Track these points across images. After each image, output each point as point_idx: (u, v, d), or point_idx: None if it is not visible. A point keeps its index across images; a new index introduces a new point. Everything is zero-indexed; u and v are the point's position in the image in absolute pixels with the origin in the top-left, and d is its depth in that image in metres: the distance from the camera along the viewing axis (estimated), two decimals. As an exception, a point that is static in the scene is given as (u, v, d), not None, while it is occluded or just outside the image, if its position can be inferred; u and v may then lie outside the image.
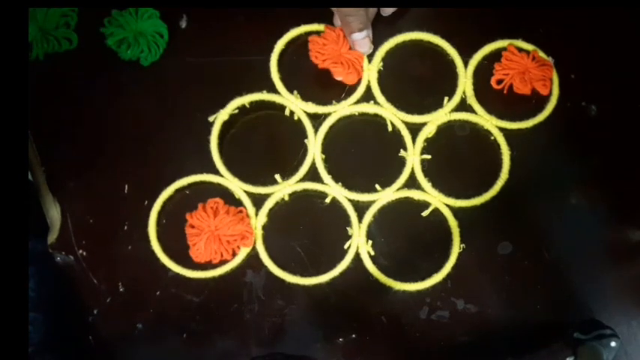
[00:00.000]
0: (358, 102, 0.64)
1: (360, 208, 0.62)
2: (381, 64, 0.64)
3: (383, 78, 0.64)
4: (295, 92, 0.63)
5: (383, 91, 0.63)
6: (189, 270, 0.62)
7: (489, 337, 0.61)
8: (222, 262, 0.62)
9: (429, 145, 0.63)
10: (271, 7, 0.64)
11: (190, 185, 0.63)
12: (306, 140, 0.63)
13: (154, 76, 0.65)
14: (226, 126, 0.64)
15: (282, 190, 0.62)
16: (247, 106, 0.64)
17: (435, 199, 0.62)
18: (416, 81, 0.64)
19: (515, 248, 0.62)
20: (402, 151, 0.63)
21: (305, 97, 0.63)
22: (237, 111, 0.63)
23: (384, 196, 0.62)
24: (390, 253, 0.62)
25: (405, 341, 0.61)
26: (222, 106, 0.63)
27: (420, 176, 0.62)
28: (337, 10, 0.62)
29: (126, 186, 0.63)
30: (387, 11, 0.63)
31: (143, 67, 0.64)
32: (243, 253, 0.62)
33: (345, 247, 0.62)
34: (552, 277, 0.62)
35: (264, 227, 0.63)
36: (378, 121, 0.64)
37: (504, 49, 0.63)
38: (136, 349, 0.62)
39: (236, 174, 0.63)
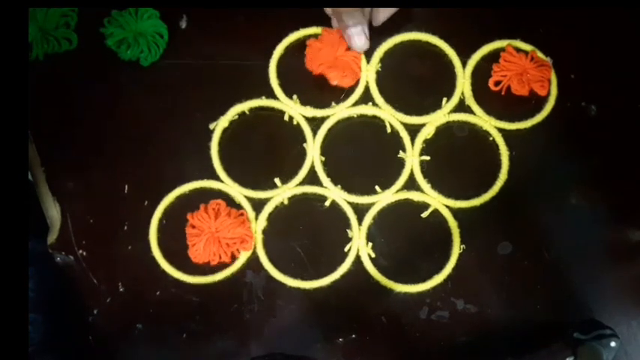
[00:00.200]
0: (357, 104, 0.63)
1: (360, 211, 0.62)
2: (380, 64, 0.64)
3: (381, 79, 0.64)
4: (295, 97, 0.63)
5: (381, 92, 0.63)
6: (189, 276, 0.62)
7: (489, 337, 0.61)
8: (223, 267, 0.62)
9: (428, 147, 0.63)
10: (271, 7, 0.64)
11: (191, 191, 0.63)
12: (304, 144, 0.63)
13: (154, 76, 0.65)
14: (226, 130, 0.64)
15: (282, 193, 0.62)
16: (247, 112, 0.64)
17: (435, 200, 0.62)
18: (414, 82, 0.64)
19: (515, 248, 0.62)
20: (401, 152, 0.63)
21: (304, 100, 0.63)
22: (237, 117, 0.64)
23: (384, 197, 0.62)
24: (390, 254, 0.62)
25: (405, 341, 0.61)
26: (222, 105, 0.63)
27: (420, 177, 0.62)
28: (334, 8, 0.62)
29: (126, 186, 0.63)
30: (379, 20, 0.63)
31: (143, 68, 0.64)
32: (243, 258, 0.62)
33: (346, 249, 0.62)
34: (552, 277, 0.61)
35: (264, 231, 0.63)
36: (376, 122, 0.64)
37: (503, 49, 0.63)
38: (136, 349, 0.62)
39: (235, 178, 0.63)
